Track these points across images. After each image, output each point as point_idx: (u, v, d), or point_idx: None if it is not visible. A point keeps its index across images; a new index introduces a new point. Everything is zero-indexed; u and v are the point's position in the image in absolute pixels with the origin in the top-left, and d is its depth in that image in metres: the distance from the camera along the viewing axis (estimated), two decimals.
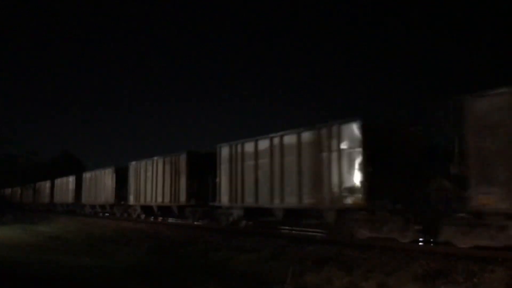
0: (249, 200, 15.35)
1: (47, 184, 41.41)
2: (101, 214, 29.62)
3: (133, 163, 24.57)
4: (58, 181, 38.63)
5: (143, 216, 23.71)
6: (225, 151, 16.84)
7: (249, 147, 15.64)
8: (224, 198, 16.69)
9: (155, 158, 22.19)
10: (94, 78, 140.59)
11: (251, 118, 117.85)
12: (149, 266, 11.03)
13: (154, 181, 21.98)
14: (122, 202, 25.58)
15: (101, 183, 28.63)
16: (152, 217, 23.22)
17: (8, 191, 56.92)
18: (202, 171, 18.54)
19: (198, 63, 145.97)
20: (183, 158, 19.65)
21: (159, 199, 21.43)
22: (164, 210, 21.71)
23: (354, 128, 11.63)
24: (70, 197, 34.77)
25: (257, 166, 15.03)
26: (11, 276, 9.43)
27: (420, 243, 10.65)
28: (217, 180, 17.06)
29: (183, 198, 19.37)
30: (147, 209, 23.25)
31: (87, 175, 31.75)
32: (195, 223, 19.41)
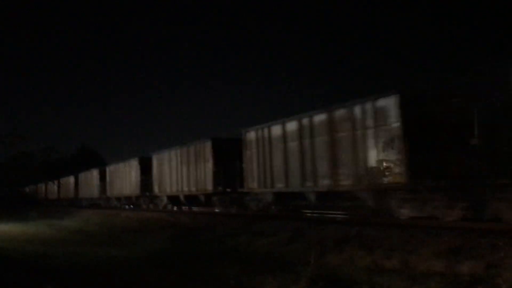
0: (168, 189, 23.27)
1: (55, 181, 50.15)
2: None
3: (106, 167, 32.91)
4: (63, 180, 47.31)
5: (115, 203, 31.91)
6: (155, 159, 24.79)
7: (163, 156, 23.54)
8: (155, 188, 24.72)
9: (126, 161, 29.96)
10: (108, 70, 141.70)
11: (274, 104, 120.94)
12: (171, 253, 11.48)
13: (123, 179, 30.15)
14: (104, 196, 33.84)
15: (90, 181, 37.11)
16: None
17: (33, 187, 61.02)
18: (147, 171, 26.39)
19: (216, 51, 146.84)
20: (133, 163, 27.68)
21: (126, 192, 29.60)
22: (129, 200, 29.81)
23: (208, 146, 19.34)
24: (71, 193, 43.38)
25: (170, 166, 22.89)
26: (40, 268, 10.14)
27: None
28: (153, 177, 25.01)
29: (137, 191, 27.44)
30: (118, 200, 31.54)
31: (82, 175, 40.22)
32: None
